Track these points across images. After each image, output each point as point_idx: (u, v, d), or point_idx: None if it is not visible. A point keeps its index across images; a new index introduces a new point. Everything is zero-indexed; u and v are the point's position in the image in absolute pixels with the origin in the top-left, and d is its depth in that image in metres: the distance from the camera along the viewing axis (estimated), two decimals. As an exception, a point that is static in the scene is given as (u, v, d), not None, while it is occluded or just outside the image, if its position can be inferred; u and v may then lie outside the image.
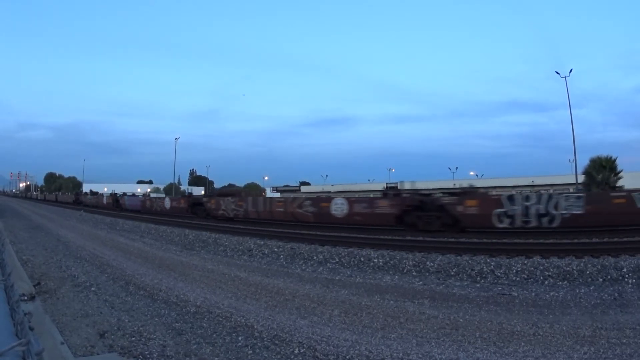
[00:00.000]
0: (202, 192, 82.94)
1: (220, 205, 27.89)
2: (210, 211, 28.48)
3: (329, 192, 54.51)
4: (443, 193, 19.20)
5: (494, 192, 21.90)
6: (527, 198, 16.61)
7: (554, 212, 15.85)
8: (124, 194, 45.16)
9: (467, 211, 17.07)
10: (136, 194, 46.81)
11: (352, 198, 21.76)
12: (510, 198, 16.74)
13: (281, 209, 23.87)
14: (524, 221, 16.29)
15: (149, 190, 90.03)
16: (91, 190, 62.71)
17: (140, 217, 29.84)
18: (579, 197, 16.04)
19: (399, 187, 22.65)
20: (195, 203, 30.97)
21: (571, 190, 36.81)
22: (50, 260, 12.90)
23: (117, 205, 41.82)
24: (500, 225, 16.51)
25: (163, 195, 40.61)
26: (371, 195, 22.54)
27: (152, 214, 32.61)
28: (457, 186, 20.65)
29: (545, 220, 16.00)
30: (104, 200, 46.27)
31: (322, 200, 22.76)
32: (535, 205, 16.19)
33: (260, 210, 25.21)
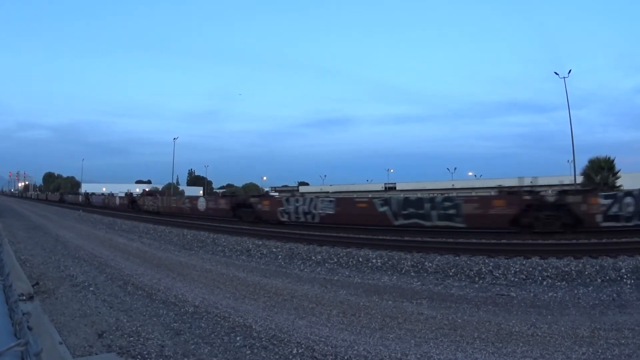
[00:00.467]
0: (200, 192, 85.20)
1: (144, 202, 37.19)
2: (140, 206, 37.13)
3: (327, 192, 57.40)
4: (253, 196, 26.95)
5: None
6: (297, 200, 21.97)
7: (314, 211, 20.78)
8: (93, 193, 58.62)
9: (263, 208, 23.47)
10: (104, 193, 57.27)
11: (208, 198, 31.45)
12: (287, 200, 22.46)
13: (174, 205, 33.33)
14: (296, 217, 21.51)
15: (146, 189, 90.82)
16: (74, 191, 77.54)
17: (138, 217, 29.87)
18: (331, 201, 20.56)
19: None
20: (132, 200, 39.96)
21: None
22: (48, 260, 12.89)
23: (88, 202, 51.90)
24: (282, 219, 22.10)
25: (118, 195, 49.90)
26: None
27: (108, 209, 41.03)
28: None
29: (309, 217, 21.01)
30: (80, 199, 57.11)
31: (194, 199, 32.36)
32: (302, 205, 21.40)
33: (165, 205, 34.19)
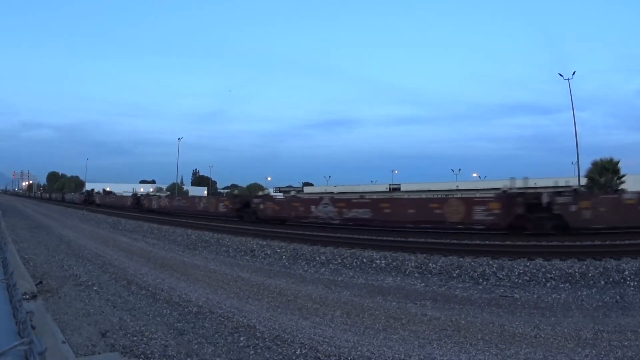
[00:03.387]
0: (205, 192, 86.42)
1: (96, 197, 54.05)
2: (93, 202, 52.52)
3: (331, 192, 59.09)
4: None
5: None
6: (155, 197, 38.38)
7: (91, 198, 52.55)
8: (68, 192, 79.58)
9: (154, 205, 37.90)
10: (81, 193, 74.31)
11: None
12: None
13: (101, 199, 52.78)
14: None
15: (148, 189, 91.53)
16: (62, 192, 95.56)
17: (142, 216, 29.95)
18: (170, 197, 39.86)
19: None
20: (87, 197, 56.11)
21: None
22: (52, 259, 12.95)
23: (63, 199, 67.97)
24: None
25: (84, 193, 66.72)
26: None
27: (75, 204, 55.85)
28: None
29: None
30: (59, 197, 74.30)
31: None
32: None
33: (105, 200, 50.26)
